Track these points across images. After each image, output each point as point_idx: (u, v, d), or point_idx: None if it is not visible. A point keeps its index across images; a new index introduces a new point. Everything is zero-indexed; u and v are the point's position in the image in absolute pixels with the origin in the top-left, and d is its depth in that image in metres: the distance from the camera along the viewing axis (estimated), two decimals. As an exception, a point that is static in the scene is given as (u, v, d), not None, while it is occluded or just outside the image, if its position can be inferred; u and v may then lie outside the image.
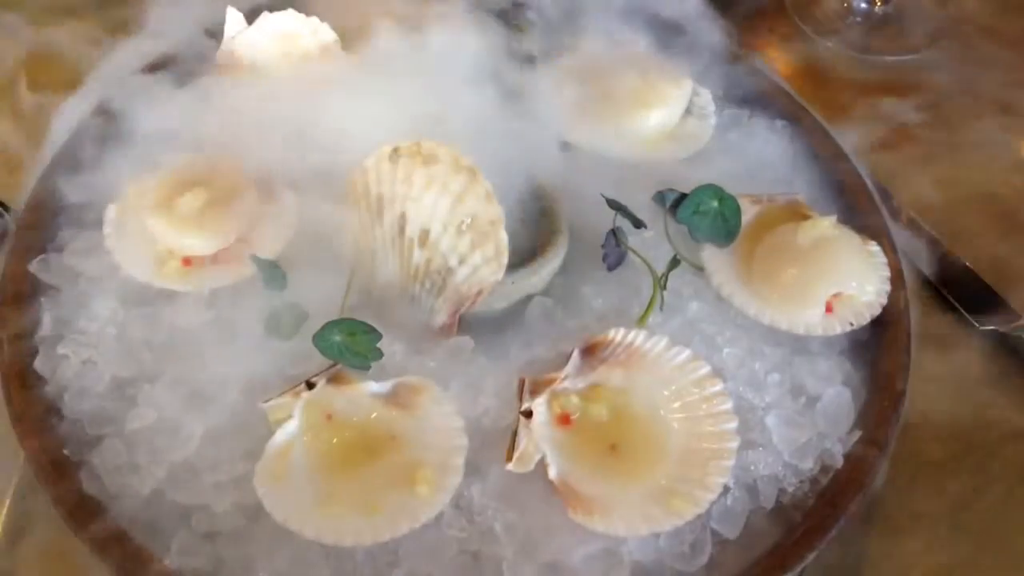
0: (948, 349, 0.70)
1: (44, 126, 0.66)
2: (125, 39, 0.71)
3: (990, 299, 0.72)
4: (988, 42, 0.98)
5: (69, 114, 0.67)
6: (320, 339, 0.54)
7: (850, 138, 0.75)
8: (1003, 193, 0.84)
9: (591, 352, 0.56)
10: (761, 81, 0.76)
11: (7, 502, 0.58)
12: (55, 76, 0.76)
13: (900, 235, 0.74)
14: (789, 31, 0.97)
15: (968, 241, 0.77)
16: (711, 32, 0.76)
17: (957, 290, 0.73)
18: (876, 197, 0.68)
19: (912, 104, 0.91)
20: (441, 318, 0.57)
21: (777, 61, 0.95)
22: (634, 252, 0.62)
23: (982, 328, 0.71)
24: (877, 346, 0.60)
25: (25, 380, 0.55)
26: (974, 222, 0.81)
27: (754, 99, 0.75)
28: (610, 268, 0.62)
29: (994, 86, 0.93)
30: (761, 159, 0.71)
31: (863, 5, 0.99)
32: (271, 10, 0.68)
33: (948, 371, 0.68)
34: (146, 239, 0.60)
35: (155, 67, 0.71)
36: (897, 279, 0.62)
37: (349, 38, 0.70)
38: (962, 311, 0.72)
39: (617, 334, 0.56)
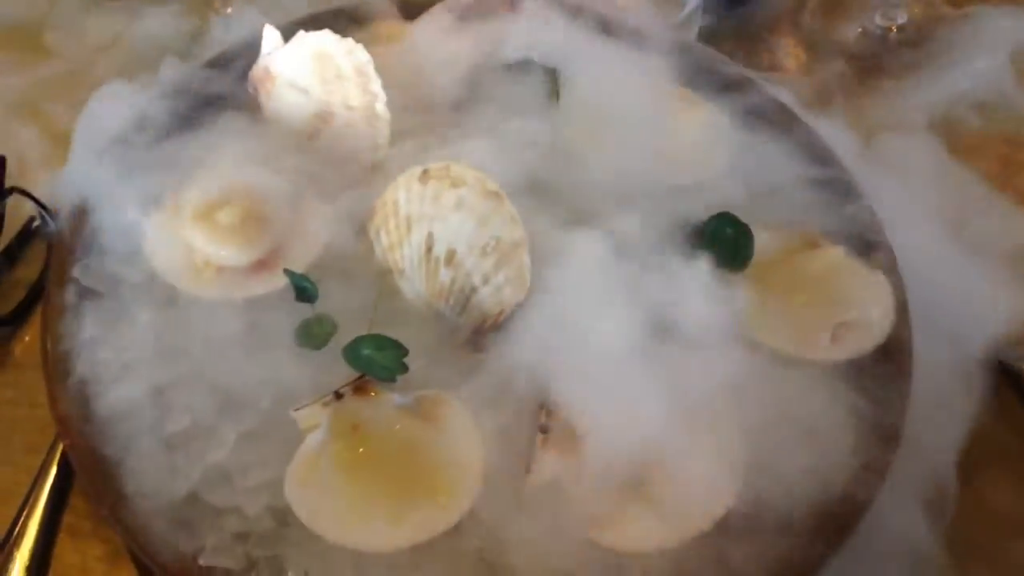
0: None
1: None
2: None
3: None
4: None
5: (110, 120, 0.69)
6: (350, 352, 0.56)
7: (864, 165, 0.77)
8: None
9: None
10: (776, 108, 0.78)
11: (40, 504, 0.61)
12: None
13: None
14: (805, 55, 0.99)
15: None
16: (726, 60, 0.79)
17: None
18: (884, 228, 0.70)
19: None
20: (464, 335, 0.60)
21: (793, 85, 0.96)
22: None
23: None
24: (879, 374, 0.62)
25: (68, 382, 0.57)
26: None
27: (769, 126, 0.77)
28: None
29: None
30: (775, 186, 0.72)
31: (878, 31, 1.01)
32: (307, 29, 0.70)
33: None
34: (184, 249, 0.62)
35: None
36: (902, 309, 0.64)
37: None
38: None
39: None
